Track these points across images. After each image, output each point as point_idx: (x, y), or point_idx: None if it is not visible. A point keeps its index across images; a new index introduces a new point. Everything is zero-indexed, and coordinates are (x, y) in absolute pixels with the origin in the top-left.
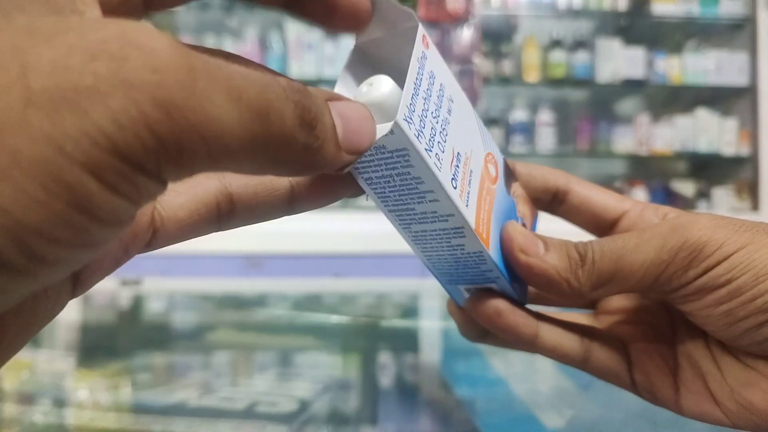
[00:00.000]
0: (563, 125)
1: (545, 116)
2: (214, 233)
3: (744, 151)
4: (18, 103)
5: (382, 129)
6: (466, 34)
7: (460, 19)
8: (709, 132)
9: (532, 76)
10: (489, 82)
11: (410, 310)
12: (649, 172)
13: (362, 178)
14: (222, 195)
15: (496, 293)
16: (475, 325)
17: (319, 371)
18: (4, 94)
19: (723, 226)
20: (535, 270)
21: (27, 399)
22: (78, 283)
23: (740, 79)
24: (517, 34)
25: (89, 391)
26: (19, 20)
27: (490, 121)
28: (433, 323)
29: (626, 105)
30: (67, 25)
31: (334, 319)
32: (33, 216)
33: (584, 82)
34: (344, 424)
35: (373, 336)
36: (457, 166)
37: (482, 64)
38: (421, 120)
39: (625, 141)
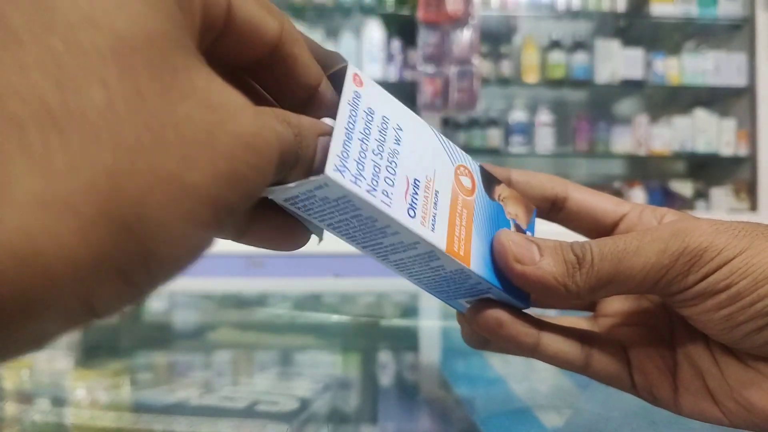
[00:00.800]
0: (562, 126)
1: (544, 117)
2: None
3: (742, 151)
4: (210, 174)
5: (316, 181)
6: (465, 36)
7: (459, 21)
8: (707, 132)
9: (531, 76)
10: (488, 82)
11: (410, 310)
12: (648, 172)
13: (325, 224)
14: None
15: (495, 303)
16: (478, 333)
17: (320, 370)
18: (199, 166)
19: (723, 231)
20: (531, 278)
21: (27, 398)
22: None
23: (738, 80)
24: (516, 35)
25: (89, 390)
26: (192, 79)
27: (489, 122)
28: (433, 323)
29: (625, 105)
30: (212, 94)
31: (335, 318)
32: (196, 246)
33: (583, 82)
34: (344, 423)
35: (373, 335)
36: (415, 194)
37: (481, 65)
38: (358, 163)
39: (623, 141)
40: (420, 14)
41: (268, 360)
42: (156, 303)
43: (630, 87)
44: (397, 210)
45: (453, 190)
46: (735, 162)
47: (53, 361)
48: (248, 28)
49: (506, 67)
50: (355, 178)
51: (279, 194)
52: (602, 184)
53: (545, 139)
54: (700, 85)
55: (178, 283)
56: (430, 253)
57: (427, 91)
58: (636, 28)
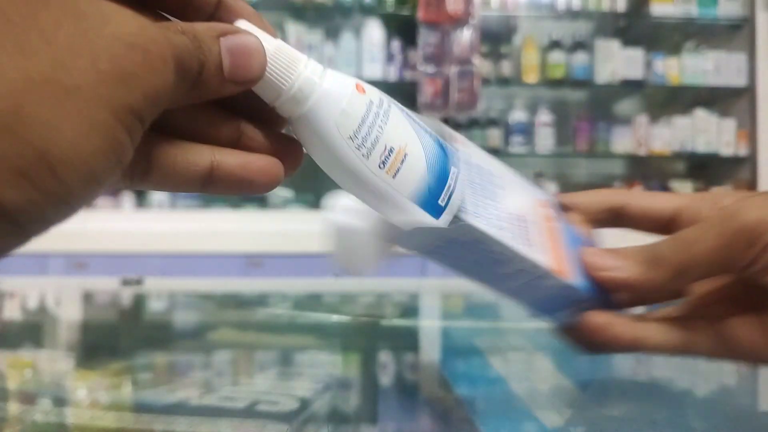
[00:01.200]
0: (562, 126)
1: (544, 117)
2: (213, 233)
3: (742, 151)
4: (92, 82)
5: (456, 229)
6: (465, 35)
7: (459, 21)
8: (707, 132)
9: (531, 76)
10: (488, 82)
11: (410, 310)
12: (648, 172)
13: (446, 262)
14: (144, 158)
15: (595, 311)
16: (587, 338)
17: (320, 370)
18: (84, 75)
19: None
20: (618, 281)
21: (28, 398)
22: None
23: (738, 80)
24: (516, 35)
25: (90, 390)
26: (68, 2)
27: (489, 122)
28: (433, 323)
29: (625, 105)
30: (105, 14)
31: (335, 318)
32: (100, 167)
33: (583, 82)
34: (344, 423)
35: (373, 335)
36: (524, 227)
37: (481, 64)
38: (481, 207)
39: (623, 141)
40: (420, 14)
41: (268, 360)
42: (156, 303)
43: (630, 87)
44: (517, 243)
45: (543, 220)
46: (735, 162)
47: (54, 361)
48: None
49: (506, 67)
50: (486, 220)
51: (415, 242)
52: (602, 184)
53: (545, 139)
54: (700, 85)
55: (178, 283)
56: (544, 275)
57: (427, 91)
58: (636, 28)
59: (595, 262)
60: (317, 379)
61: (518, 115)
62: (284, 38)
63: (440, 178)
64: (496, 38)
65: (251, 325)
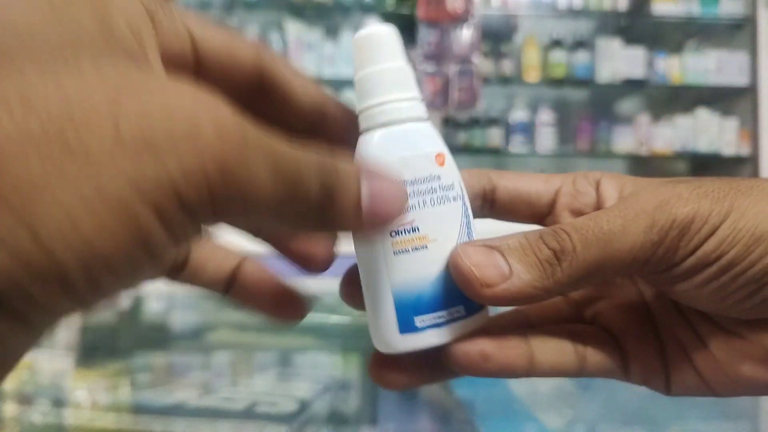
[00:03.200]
0: (563, 125)
1: (545, 116)
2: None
3: (744, 150)
4: (109, 145)
5: None
6: (465, 34)
7: (459, 19)
8: (709, 132)
9: (532, 75)
10: (489, 82)
11: None
12: (649, 172)
13: None
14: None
15: (474, 333)
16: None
17: (319, 371)
18: (99, 137)
19: (704, 196)
20: (508, 298)
21: (26, 399)
22: None
23: (740, 79)
24: (517, 34)
25: (89, 390)
26: (108, 72)
27: (489, 121)
28: None
29: (626, 105)
30: (149, 83)
31: (334, 319)
32: (107, 247)
33: (584, 81)
34: (344, 424)
35: None
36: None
37: (482, 63)
38: None
39: (625, 141)
40: (420, 12)
41: (267, 361)
42: (155, 303)
43: (631, 86)
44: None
45: None
46: (737, 162)
47: (53, 361)
48: (222, 54)
49: (507, 66)
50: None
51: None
52: None
53: (546, 138)
54: (702, 84)
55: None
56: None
57: (427, 90)
58: (637, 27)
59: (469, 273)
60: (317, 380)
61: (519, 115)
62: (284, 38)
63: (437, 302)
64: (497, 37)
65: (250, 326)
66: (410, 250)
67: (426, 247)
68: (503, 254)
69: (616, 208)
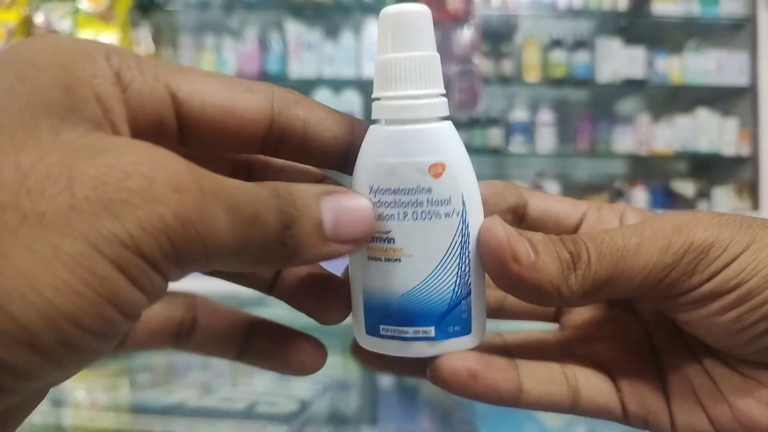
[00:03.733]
0: (563, 125)
1: (545, 116)
2: None
3: (744, 150)
4: (63, 208)
5: None
6: (466, 34)
7: (460, 19)
8: (709, 132)
9: (532, 75)
10: (489, 82)
11: None
12: (650, 172)
13: None
14: (188, 315)
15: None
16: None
17: (319, 371)
18: (53, 201)
19: (726, 224)
20: (528, 281)
21: None
22: None
23: (740, 79)
24: (517, 34)
25: (88, 390)
26: (65, 137)
27: (489, 121)
28: None
29: (626, 105)
30: (104, 145)
31: None
32: (69, 304)
33: (584, 82)
34: (344, 425)
35: None
36: None
37: (482, 64)
38: None
39: (625, 141)
40: None
41: None
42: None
43: (631, 86)
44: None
45: None
46: (737, 162)
47: None
48: (218, 109)
49: (507, 66)
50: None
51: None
52: (604, 184)
53: (546, 138)
54: (702, 84)
55: (179, 283)
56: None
57: None
58: (637, 27)
59: (505, 243)
60: (317, 380)
61: (519, 115)
62: (284, 38)
63: (404, 318)
64: (497, 37)
65: None
66: (382, 259)
67: (399, 260)
68: (530, 241)
69: (633, 227)
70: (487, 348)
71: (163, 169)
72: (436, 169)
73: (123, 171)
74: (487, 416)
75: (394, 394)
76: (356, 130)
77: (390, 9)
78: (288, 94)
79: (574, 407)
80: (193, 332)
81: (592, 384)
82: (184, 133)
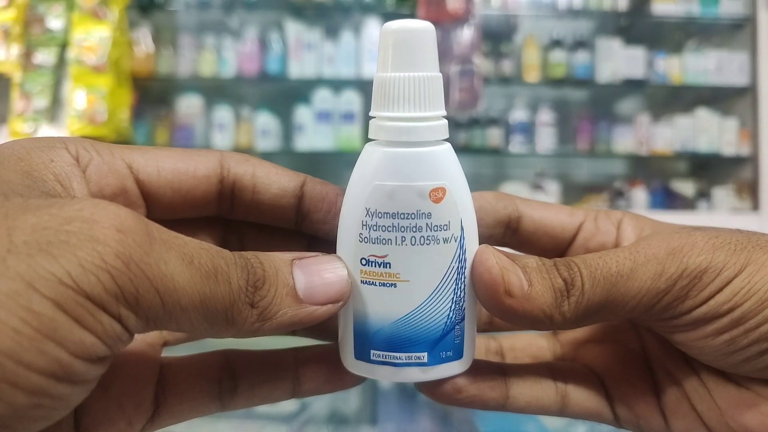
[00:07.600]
0: (563, 125)
1: (545, 116)
2: None
3: (744, 150)
4: (1, 255)
5: None
6: (466, 34)
7: (460, 19)
8: (709, 132)
9: (532, 75)
10: (489, 82)
11: None
12: (650, 172)
13: None
14: (225, 371)
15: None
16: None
17: None
18: None
19: (720, 247)
20: (520, 313)
21: None
22: None
23: (740, 79)
24: (517, 34)
25: None
26: (15, 200)
27: (489, 121)
28: None
29: (626, 105)
30: (51, 202)
31: None
32: (6, 339)
33: (584, 81)
34: (344, 424)
35: None
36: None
37: (482, 63)
38: None
39: (625, 141)
40: (420, 13)
41: None
42: None
43: (631, 86)
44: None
45: None
46: (737, 162)
47: None
48: (173, 178)
49: (507, 66)
50: None
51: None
52: (603, 184)
53: (546, 138)
54: (702, 84)
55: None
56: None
57: None
58: (637, 27)
59: (498, 277)
60: None
61: (519, 115)
62: (284, 38)
63: (397, 344)
64: (497, 37)
65: None
66: (377, 284)
67: (395, 285)
68: (525, 270)
69: (627, 250)
70: (481, 350)
71: (108, 213)
72: (437, 194)
73: (65, 217)
74: (487, 416)
75: (394, 394)
76: (308, 185)
77: (392, 25)
78: (237, 154)
79: (562, 411)
80: (236, 389)
81: (582, 389)
82: (147, 200)
